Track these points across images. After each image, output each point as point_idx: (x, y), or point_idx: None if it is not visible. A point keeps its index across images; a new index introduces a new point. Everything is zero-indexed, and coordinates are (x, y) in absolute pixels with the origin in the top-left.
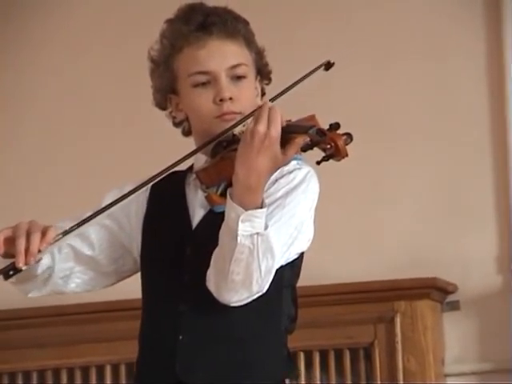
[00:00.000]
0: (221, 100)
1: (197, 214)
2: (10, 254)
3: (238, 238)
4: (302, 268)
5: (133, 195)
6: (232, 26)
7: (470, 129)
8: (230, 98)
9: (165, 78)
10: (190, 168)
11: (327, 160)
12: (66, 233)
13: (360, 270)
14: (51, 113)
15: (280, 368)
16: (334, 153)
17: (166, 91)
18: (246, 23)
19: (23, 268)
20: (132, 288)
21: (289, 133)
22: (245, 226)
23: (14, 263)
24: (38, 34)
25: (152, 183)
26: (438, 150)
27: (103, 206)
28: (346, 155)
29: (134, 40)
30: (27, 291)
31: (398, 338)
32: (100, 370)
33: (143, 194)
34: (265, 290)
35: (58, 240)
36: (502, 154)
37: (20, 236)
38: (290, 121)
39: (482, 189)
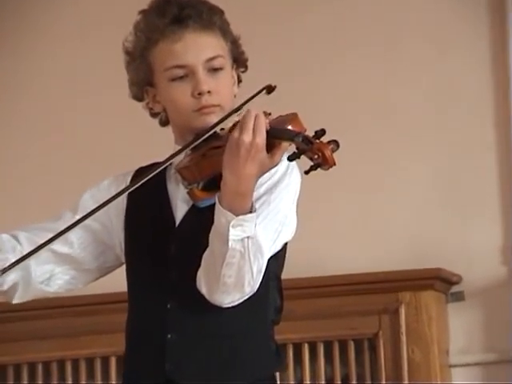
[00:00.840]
0: (199, 94)
1: (179, 209)
2: None
3: (229, 243)
4: (308, 259)
5: (113, 189)
6: (207, 17)
7: (474, 120)
8: (209, 92)
9: (141, 71)
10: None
11: (315, 169)
12: (3, 271)
13: (364, 261)
14: (46, 109)
15: (269, 362)
16: (322, 162)
17: (143, 84)
18: (222, 13)
19: None
20: None
21: (274, 137)
22: (235, 230)
23: None
24: (33, 25)
25: (130, 177)
26: (442, 142)
27: (78, 210)
28: (334, 164)
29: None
30: (9, 299)
31: (403, 328)
32: (105, 361)
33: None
34: (256, 289)
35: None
36: (505, 145)
37: None
38: (270, 114)
39: (486, 180)
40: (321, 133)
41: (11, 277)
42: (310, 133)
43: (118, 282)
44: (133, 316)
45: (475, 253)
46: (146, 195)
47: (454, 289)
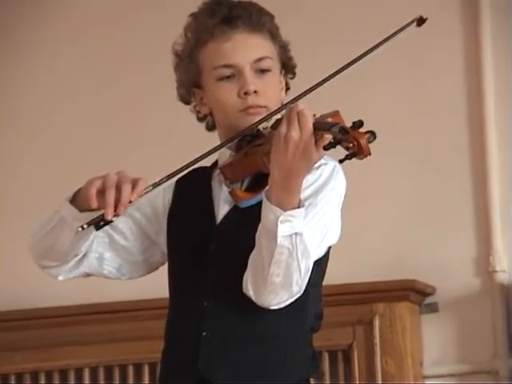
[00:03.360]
0: (245, 93)
1: (221, 209)
2: (100, 207)
3: (278, 239)
4: None
5: (160, 188)
6: (257, 18)
7: (448, 133)
8: (255, 92)
9: (189, 71)
10: (215, 163)
11: (350, 159)
12: (155, 185)
13: (339, 272)
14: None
15: (304, 367)
16: (357, 151)
17: (190, 85)
18: (271, 16)
19: (113, 219)
20: (110, 291)
21: (316, 130)
22: (284, 226)
23: (103, 215)
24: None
25: (177, 177)
26: (417, 155)
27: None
28: (369, 154)
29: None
30: (59, 272)
31: (377, 339)
32: (78, 373)
33: (169, 189)
34: (303, 290)
35: (148, 192)
36: (479, 157)
37: (110, 187)
38: (314, 115)
39: (460, 192)
40: (358, 123)
41: (87, 242)
42: None
43: (92, 293)
44: (171, 313)
45: (449, 264)
46: (190, 194)
47: (428, 300)
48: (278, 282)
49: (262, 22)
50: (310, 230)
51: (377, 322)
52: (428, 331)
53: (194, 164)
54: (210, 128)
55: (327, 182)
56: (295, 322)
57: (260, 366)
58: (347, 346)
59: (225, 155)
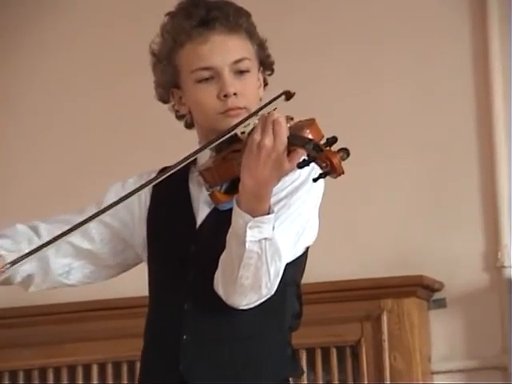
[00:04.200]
0: (225, 96)
1: (201, 210)
2: None
3: (247, 244)
4: None
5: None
6: (234, 19)
7: (456, 128)
8: (235, 94)
9: (167, 72)
10: (194, 160)
11: (324, 177)
12: (13, 263)
13: (346, 268)
14: (46, 108)
15: (284, 367)
16: (330, 171)
17: (169, 86)
18: (248, 15)
19: None
20: (118, 287)
21: (290, 144)
22: (253, 232)
23: None
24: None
25: (157, 173)
26: (425, 150)
27: (103, 205)
28: (342, 173)
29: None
30: (25, 289)
31: (385, 335)
32: (86, 369)
33: (146, 192)
34: (273, 292)
35: (7, 269)
36: (487, 152)
37: None
38: (292, 119)
39: (467, 187)
40: (332, 140)
41: (25, 267)
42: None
43: (100, 290)
44: (151, 315)
45: (457, 260)
46: (168, 196)
47: (436, 296)
48: (247, 285)
49: (239, 23)
50: (282, 231)
51: (385, 318)
52: (436, 327)
53: (174, 169)
54: (189, 126)
55: (303, 183)
56: (273, 321)
57: (240, 366)
58: (355, 342)
59: (204, 155)
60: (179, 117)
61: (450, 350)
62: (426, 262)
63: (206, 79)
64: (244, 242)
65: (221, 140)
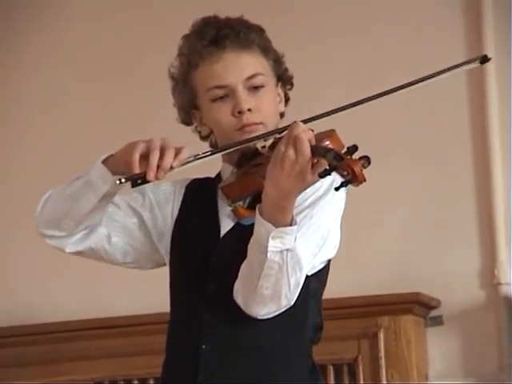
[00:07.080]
0: (239, 112)
1: (225, 224)
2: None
3: (268, 254)
4: None
5: (172, 196)
6: (245, 36)
7: (452, 146)
8: (249, 110)
9: (185, 94)
10: (219, 175)
11: (346, 185)
12: (198, 157)
13: (343, 286)
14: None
15: (304, 379)
16: (352, 179)
17: (189, 107)
18: (261, 31)
19: (152, 181)
20: (113, 306)
21: (312, 155)
22: (275, 242)
23: (145, 173)
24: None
25: (187, 184)
26: (421, 168)
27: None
28: (364, 180)
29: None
30: (65, 244)
31: (382, 353)
32: None
33: (179, 197)
34: (293, 303)
35: (190, 162)
36: (483, 170)
37: (155, 150)
38: (312, 131)
39: (464, 205)
40: (352, 149)
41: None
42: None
43: (96, 308)
44: (172, 325)
45: (454, 277)
46: (196, 209)
47: (433, 313)
48: (266, 295)
49: (250, 39)
50: (304, 242)
51: (382, 335)
52: (433, 344)
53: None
54: (214, 146)
55: (325, 194)
56: (294, 333)
57: (259, 377)
58: (352, 360)
59: (227, 170)
60: (203, 137)
61: (446, 367)
62: (423, 279)
63: (221, 97)
64: (266, 252)
65: (243, 145)
